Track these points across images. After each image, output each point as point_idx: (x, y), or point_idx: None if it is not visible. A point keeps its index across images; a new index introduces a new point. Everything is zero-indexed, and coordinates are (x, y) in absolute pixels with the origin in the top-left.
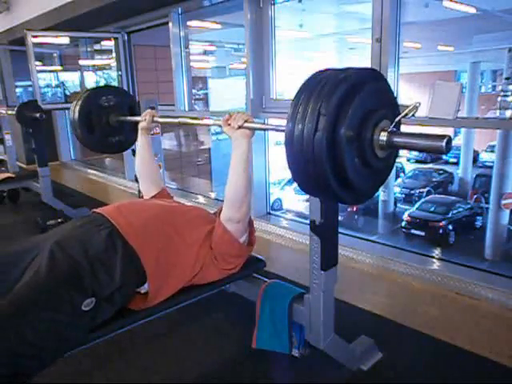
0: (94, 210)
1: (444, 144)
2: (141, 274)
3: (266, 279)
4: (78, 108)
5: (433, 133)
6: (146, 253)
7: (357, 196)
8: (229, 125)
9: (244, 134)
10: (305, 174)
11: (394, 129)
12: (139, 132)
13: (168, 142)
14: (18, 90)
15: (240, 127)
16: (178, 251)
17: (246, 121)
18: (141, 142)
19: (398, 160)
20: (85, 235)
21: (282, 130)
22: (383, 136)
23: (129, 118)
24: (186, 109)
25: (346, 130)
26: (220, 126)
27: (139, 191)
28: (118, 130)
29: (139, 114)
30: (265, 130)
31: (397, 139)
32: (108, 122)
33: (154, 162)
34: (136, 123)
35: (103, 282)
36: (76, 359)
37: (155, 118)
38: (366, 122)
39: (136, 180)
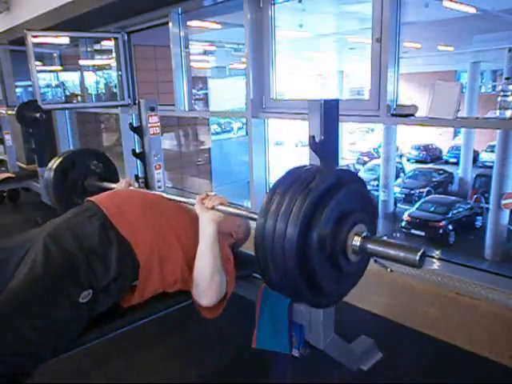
0: (88, 198)
1: (418, 258)
2: (136, 265)
3: None
4: (62, 158)
5: (408, 245)
6: (139, 243)
7: (327, 299)
8: (203, 204)
9: (213, 217)
10: (273, 272)
11: (369, 234)
12: None
13: (168, 142)
14: (17, 90)
15: (213, 208)
16: (170, 242)
17: (220, 203)
18: None
19: (398, 160)
20: (78, 226)
21: (255, 219)
22: (357, 241)
23: (105, 183)
24: (186, 109)
25: (318, 233)
26: (193, 204)
27: None
28: (88, 194)
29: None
30: (237, 215)
31: (370, 246)
32: (83, 184)
33: None
34: None
35: (99, 274)
36: (76, 359)
37: (131, 188)
38: (340, 226)
39: (136, 180)
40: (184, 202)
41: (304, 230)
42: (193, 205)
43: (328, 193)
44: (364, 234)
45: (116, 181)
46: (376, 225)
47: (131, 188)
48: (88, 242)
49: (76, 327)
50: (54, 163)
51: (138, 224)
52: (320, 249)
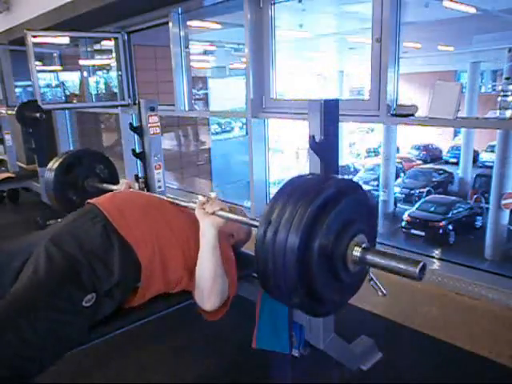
0: (88, 200)
1: (418, 271)
2: (137, 267)
3: None
4: (64, 156)
5: (408, 256)
6: (141, 247)
7: (324, 308)
8: (203, 209)
9: (214, 222)
10: (273, 280)
11: (368, 245)
12: None
13: (168, 142)
14: (17, 90)
15: (213, 213)
16: (171, 247)
17: (221, 209)
18: None
19: (398, 160)
20: (79, 230)
21: (256, 226)
22: (357, 251)
23: (105, 185)
24: (186, 109)
25: (319, 242)
26: (193, 208)
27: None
28: (87, 194)
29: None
30: (238, 221)
31: (370, 257)
32: (83, 184)
33: None
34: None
35: (102, 277)
36: (76, 359)
37: (131, 190)
38: (341, 236)
39: (136, 180)
40: (184, 206)
41: (305, 240)
42: (193, 209)
43: (329, 203)
44: (364, 244)
45: (116, 183)
46: (375, 235)
47: (131, 190)
48: (90, 246)
49: (78, 333)
50: (57, 161)
51: (139, 226)
52: (320, 258)
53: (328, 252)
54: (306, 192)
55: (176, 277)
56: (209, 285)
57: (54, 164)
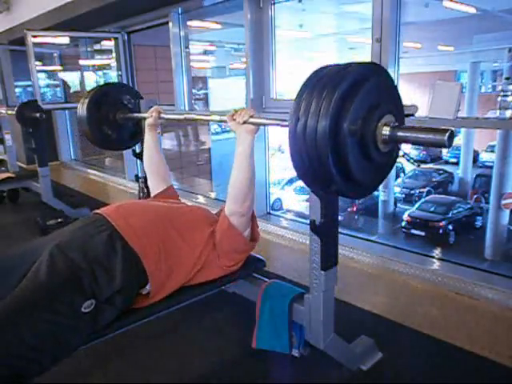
0: (95, 211)
1: (446, 138)
2: (142, 276)
3: (266, 279)
4: (93, 93)
5: (435, 127)
6: (148, 254)
7: (359, 190)
8: (234, 120)
9: (248, 130)
10: (308, 169)
11: (397, 123)
12: (146, 129)
13: (168, 142)
14: (17, 90)
15: (245, 122)
16: (179, 252)
17: (250, 116)
18: (148, 139)
19: (397, 160)
20: (85, 237)
21: (286, 125)
22: (386, 130)
23: (135, 114)
24: (186, 109)
25: (348, 125)
26: (225, 121)
27: (139, 191)
28: (119, 127)
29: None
30: (269, 124)
31: (400, 133)
32: (114, 118)
33: (163, 159)
34: (138, 130)
35: (103, 284)
36: (76, 359)
37: (162, 115)
38: (369, 117)
39: (136, 180)
40: (215, 121)
41: (334, 123)
42: (225, 121)
43: (354, 87)
44: (392, 123)
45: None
46: (403, 115)
47: (139, 200)
48: (93, 253)
49: (78, 338)
50: (85, 99)
51: (146, 233)
52: (352, 139)
53: (358, 133)
54: (329, 81)
55: (186, 276)
56: (246, 188)
57: (83, 104)
